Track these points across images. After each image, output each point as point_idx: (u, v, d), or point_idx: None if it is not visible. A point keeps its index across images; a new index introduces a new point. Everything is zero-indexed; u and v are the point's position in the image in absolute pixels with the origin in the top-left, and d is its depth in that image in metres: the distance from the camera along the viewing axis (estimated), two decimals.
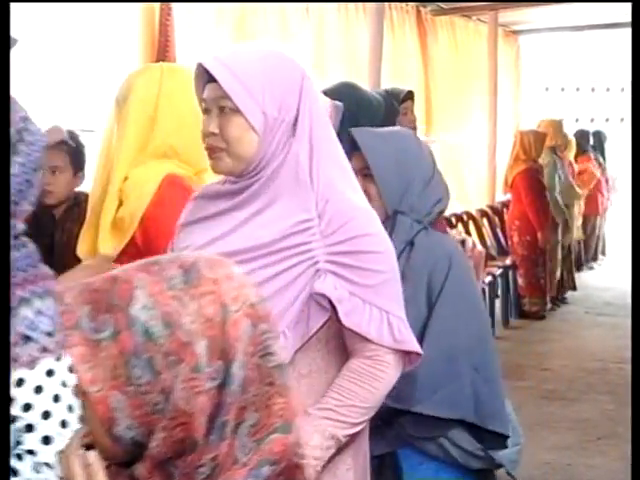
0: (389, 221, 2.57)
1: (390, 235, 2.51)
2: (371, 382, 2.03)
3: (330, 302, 1.99)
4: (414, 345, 2.07)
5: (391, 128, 2.87)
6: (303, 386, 2.03)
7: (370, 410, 2.06)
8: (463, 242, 6.23)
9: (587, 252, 11.71)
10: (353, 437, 2.08)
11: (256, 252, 1.99)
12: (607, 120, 17.58)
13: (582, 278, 10.76)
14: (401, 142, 2.69)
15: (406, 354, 2.08)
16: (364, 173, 2.60)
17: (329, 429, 2.00)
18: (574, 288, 9.94)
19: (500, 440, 2.64)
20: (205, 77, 2.04)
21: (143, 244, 2.60)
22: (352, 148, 2.62)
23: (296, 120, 2.02)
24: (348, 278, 1.99)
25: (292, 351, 1.99)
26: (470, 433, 2.59)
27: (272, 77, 2.00)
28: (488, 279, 7.62)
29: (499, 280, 8.32)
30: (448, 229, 5.76)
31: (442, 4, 9.07)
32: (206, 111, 2.05)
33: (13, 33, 2.32)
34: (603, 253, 12.33)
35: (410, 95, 4.73)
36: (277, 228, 1.99)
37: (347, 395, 2.02)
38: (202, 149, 2.74)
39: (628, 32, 8.24)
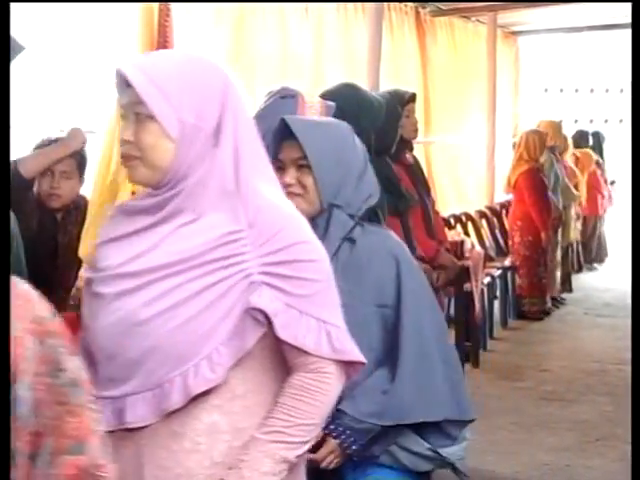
0: (324, 215, 2.49)
1: (326, 230, 2.45)
2: (316, 396, 1.93)
3: (266, 315, 1.90)
4: (355, 354, 1.97)
5: (325, 118, 2.73)
6: (237, 407, 1.92)
7: (318, 426, 1.97)
8: (462, 243, 6.26)
9: (587, 253, 11.72)
10: None
11: (182, 265, 1.87)
12: (606, 121, 17.59)
13: (581, 279, 10.77)
14: (337, 133, 2.57)
15: (348, 364, 1.98)
16: (299, 164, 2.48)
17: (280, 452, 1.90)
18: (570, 290, 9.95)
19: (453, 432, 2.59)
20: (123, 83, 1.92)
21: None
22: (283, 137, 2.51)
23: (219, 128, 1.91)
24: (283, 289, 1.89)
25: (226, 368, 1.88)
26: (416, 432, 2.54)
27: (191, 83, 1.90)
28: (487, 280, 7.62)
29: (498, 281, 8.31)
30: (447, 230, 5.79)
31: (441, 5, 9.06)
32: (123, 118, 1.95)
33: (20, 40, 2.32)
34: (605, 254, 12.32)
35: (413, 98, 4.74)
36: (204, 240, 1.88)
37: (294, 414, 1.92)
38: None
39: (627, 33, 8.25)
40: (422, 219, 4.74)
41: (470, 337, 6.86)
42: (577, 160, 10.86)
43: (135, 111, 1.90)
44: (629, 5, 3.97)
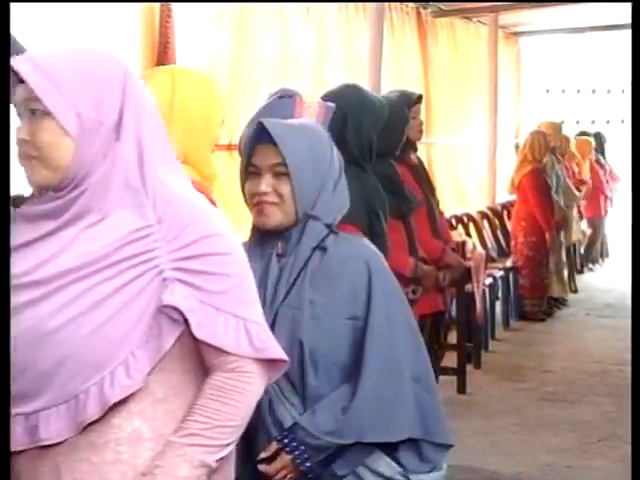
0: (299, 226, 2.35)
1: (299, 241, 2.34)
2: (236, 397, 1.83)
3: (182, 313, 1.80)
4: (277, 352, 1.87)
5: (301, 121, 2.56)
6: (160, 412, 1.82)
7: (239, 427, 1.86)
8: (464, 244, 6.25)
9: (590, 254, 11.74)
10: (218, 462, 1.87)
11: (90, 268, 1.77)
12: (608, 122, 17.59)
13: (583, 280, 10.78)
14: (316, 139, 2.40)
15: (271, 362, 1.88)
16: (276, 170, 2.33)
17: (197, 456, 1.79)
18: (575, 290, 9.96)
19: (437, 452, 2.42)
20: (16, 79, 1.80)
21: None
22: (258, 140, 2.36)
23: (120, 122, 1.81)
24: (196, 285, 1.79)
25: (144, 373, 1.78)
26: (390, 453, 2.38)
27: (88, 75, 1.79)
28: (488, 281, 7.62)
29: (499, 282, 8.31)
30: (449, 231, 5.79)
31: (442, 5, 9.06)
32: (19, 116, 1.83)
33: (22, 41, 2.32)
34: (606, 255, 12.34)
35: (420, 99, 4.75)
36: (111, 240, 1.78)
37: (212, 415, 1.81)
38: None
39: (629, 34, 8.25)
40: (427, 219, 4.75)
41: (472, 338, 6.86)
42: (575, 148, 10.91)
43: (30, 108, 1.80)
44: (629, 5, 3.97)
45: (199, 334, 1.80)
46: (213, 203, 2.64)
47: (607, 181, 12.01)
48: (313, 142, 2.38)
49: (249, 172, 2.38)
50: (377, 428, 2.31)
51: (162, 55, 4.60)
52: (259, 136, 2.35)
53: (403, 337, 2.39)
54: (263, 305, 2.26)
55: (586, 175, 11.01)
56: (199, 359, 1.86)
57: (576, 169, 10.51)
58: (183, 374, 1.86)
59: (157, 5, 4.64)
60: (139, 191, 1.81)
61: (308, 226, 2.34)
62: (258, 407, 2.08)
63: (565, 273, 9.20)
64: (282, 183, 2.33)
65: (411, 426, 2.34)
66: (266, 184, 2.33)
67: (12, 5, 1.94)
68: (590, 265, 11.72)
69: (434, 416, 2.40)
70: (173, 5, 4.70)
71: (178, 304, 1.78)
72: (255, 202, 2.36)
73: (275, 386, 2.26)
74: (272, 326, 2.24)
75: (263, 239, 2.39)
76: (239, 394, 1.83)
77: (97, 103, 1.79)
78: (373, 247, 2.50)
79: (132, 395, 1.78)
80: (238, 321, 1.82)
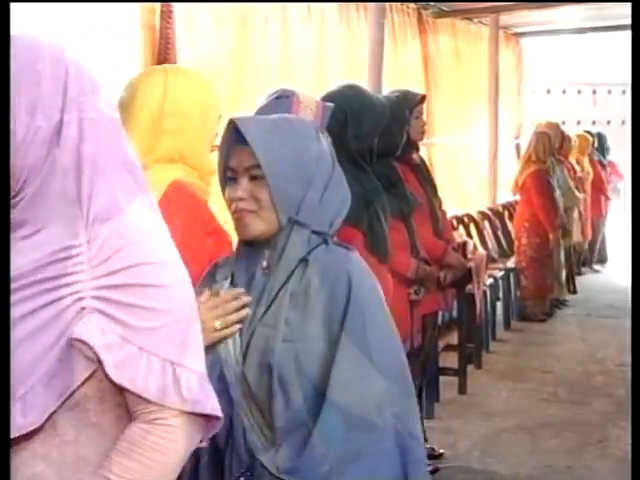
0: (283, 234, 2.09)
1: (282, 251, 2.09)
2: (152, 455, 1.55)
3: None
4: (210, 406, 1.60)
5: (284, 115, 2.26)
6: (69, 456, 1.57)
7: None
8: (464, 244, 6.25)
9: (591, 254, 11.74)
10: None
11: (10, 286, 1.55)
12: (608, 122, 17.59)
13: (584, 280, 10.77)
14: (298, 133, 2.13)
15: (204, 416, 1.61)
16: (252, 173, 2.08)
17: None
18: (574, 292, 9.96)
19: None
20: None
21: None
22: (236, 141, 2.11)
23: (61, 126, 1.57)
24: (120, 319, 1.53)
25: (46, 413, 1.53)
26: None
27: (21, 74, 1.55)
28: (489, 281, 7.62)
29: (500, 282, 8.31)
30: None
31: (443, 6, 9.07)
32: None
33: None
34: (605, 255, 12.34)
35: (423, 99, 4.76)
36: (36, 256, 1.55)
37: (121, 473, 1.54)
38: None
39: (629, 34, 8.24)
40: (429, 218, 4.74)
41: (473, 338, 6.87)
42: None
43: None
44: (629, 5, 3.97)
45: (116, 377, 1.54)
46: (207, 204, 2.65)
47: (608, 182, 12.01)
48: (293, 137, 2.12)
49: (228, 177, 2.15)
50: (347, 475, 1.98)
51: (163, 55, 4.60)
52: (235, 136, 2.11)
53: (382, 365, 2.04)
54: (242, 324, 2.10)
55: (588, 173, 11.00)
56: (122, 399, 1.60)
57: (577, 167, 10.51)
58: (100, 415, 1.60)
59: (157, 5, 4.64)
60: (74, 205, 1.57)
61: (293, 234, 2.08)
62: (232, 433, 2.01)
63: (563, 274, 9.21)
64: (260, 187, 2.08)
65: (386, 471, 2.00)
66: (242, 189, 2.09)
67: (12, 5, 1.94)
68: (594, 266, 11.73)
69: (414, 457, 2.04)
70: (174, 5, 4.71)
71: (88, 338, 1.53)
72: (233, 210, 2.12)
73: (248, 412, 2.06)
74: (247, 347, 2.08)
75: (250, 249, 2.15)
76: (156, 452, 1.56)
77: (34, 106, 1.56)
78: (362, 263, 2.17)
79: (36, 435, 1.55)
80: (165, 365, 1.56)
